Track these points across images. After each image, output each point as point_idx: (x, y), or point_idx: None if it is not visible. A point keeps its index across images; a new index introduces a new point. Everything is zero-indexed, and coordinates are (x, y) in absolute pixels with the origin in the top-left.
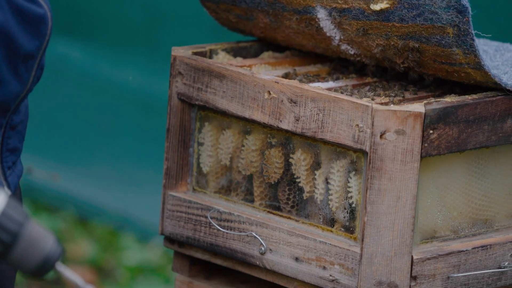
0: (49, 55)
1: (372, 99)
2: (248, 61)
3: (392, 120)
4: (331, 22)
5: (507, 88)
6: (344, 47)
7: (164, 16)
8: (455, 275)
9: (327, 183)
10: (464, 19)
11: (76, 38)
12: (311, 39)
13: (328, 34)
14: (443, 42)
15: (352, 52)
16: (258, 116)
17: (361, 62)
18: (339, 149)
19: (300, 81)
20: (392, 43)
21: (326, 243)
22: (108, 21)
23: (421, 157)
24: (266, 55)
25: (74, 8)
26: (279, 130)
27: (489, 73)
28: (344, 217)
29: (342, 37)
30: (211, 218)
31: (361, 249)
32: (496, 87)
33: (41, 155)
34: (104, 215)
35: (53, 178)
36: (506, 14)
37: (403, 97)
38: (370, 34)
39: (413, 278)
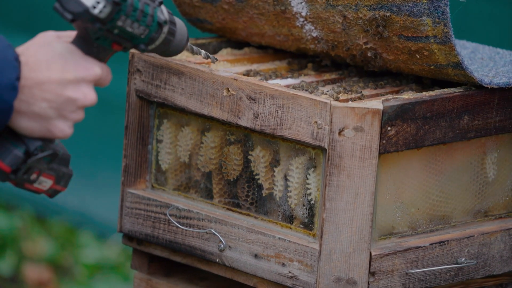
0: None
1: (331, 96)
2: None
3: (350, 117)
4: None
5: (467, 71)
6: (307, 27)
7: None
8: (413, 271)
9: (286, 180)
10: None
11: (34, 35)
12: (273, 21)
13: (294, 10)
14: (415, 10)
15: (314, 35)
16: (217, 113)
17: (320, 52)
18: (298, 146)
19: (261, 78)
20: (360, 15)
21: (285, 239)
22: None
23: (379, 153)
24: (225, 52)
25: (31, 5)
26: (238, 127)
27: (454, 47)
28: (303, 214)
29: (308, 13)
30: (170, 215)
31: (320, 245)
32: (453, 77)
33: None
34: (62, 213)
35: None
36: (460, 11)
37: (362, 93)
38: (339, 5)
39: (372, 274)
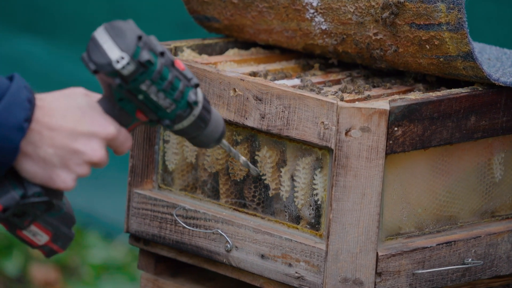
0: (12, 52)
1: (337, 97)
2: (213, 59)
3: (357, 117)
4: None
5: (477, 61)
6: (317, 19)
7: (128, 13)
8: (420, 272)
9: (293, 180)
10: None
11: (39, 35)
12: (283, 15)
13: (306, 0)
14: None
15: (323, 28)
16: (223, 113)
17: (327, 49)
18: (305, 146)
19: (270, 78)
20: (373, 3)
21: (291, 240)
22: (71, 18)
23: (386, 154)
24: (232, 52)
25: (36, 5)
26: (245, 127)
27: (466, 34)
28: (309, 214)
29: (319, 4)
30: (177, 215)
31: (327, 246)
32: (461, 71)
33: None
34: None
35: None
36: (467, 12)
37: (368, 94)
38: None
39: (378, 274)
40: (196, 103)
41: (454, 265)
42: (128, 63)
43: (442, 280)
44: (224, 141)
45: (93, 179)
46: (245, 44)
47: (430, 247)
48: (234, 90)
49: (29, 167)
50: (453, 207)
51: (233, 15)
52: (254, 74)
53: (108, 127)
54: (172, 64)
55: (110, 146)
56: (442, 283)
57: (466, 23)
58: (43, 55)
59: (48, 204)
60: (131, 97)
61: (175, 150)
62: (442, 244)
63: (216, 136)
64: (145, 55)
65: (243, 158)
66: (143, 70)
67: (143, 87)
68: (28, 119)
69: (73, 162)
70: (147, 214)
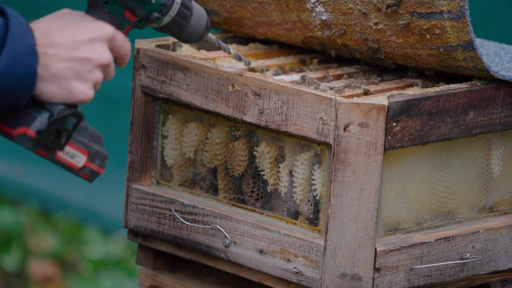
0: None
1: (336, 92)
2: (212, 54)
3: (355, 112)
4: None
5: (477, 51)
6: (318, 9)
7: None
8: (418, 267)
9: (291, 175)
10: None
11: None
12: (283, 5)
13: None
14: None
15: (324, 18)
16: (222, 109)
17: (326, 42)
18: (303, 142)
19: (268, 73)
20: None
21: (290, 235)
22: None
23: (385, 149)
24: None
25: (37, 5)
26: (243, 123)
27: (467, 23)
28: (308, 210)
29: None
30: (175, 211)
31: (325, 241)
32: (461, 62)
33: (2, 149)
34: (67, 208)
35: (15, 172)
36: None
37: (367, 89)
38: None
39: (377, 270)
40: None
41: (453, 261)
42: None
43: (441, 275)
44: (210, 35)
45: None
46: (244, 40)
47: (429, 242)
48: (233, 85)
49: (46, 89)
50: (452, 202)
51: (233, 6)
52: (252, 69)
53: (104, 27)
54: None
55: (112, 51)
56: (440, 278)
57: (468, 11)
58: None
59: (77, 115)
60: None
61: (174, 145)
62: (440, 239)
63: (202, 26)
64: None
65: (233, 51)
66: None
67: None
68: (35, 43)
69: (84, 70)
70: (145, 210)
